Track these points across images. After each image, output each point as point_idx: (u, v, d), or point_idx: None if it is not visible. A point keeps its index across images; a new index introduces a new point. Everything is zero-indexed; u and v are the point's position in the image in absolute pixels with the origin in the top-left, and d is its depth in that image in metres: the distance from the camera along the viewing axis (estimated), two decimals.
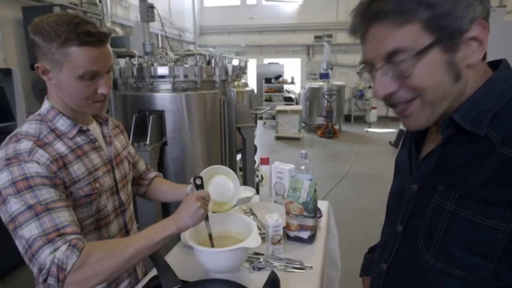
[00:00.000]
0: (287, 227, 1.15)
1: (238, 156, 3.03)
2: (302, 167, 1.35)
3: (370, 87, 10.05)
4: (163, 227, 0.84)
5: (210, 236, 0.97)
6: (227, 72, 2.38)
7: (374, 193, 4.32)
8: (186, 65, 2.21)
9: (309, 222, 1.11)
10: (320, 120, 8.22)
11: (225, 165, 2.59)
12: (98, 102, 0.89)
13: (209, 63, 2.54)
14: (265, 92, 9.52)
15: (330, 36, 9.77)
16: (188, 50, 2.76)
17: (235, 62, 3.03)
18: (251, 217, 1.33)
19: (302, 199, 1.10)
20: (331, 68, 9.41)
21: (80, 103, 0.87)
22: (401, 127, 6.64)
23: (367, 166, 5.49)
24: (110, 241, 0.94)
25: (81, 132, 0.92)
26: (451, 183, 0.57)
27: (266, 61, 10.40)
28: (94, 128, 0.98)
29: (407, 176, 0.70)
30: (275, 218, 1.05)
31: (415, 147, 0.71)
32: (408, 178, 0.68)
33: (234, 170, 2.81)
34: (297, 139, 7.44)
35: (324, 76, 8.65)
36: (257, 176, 3.69)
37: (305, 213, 1.10)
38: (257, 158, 3.50)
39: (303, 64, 10.53)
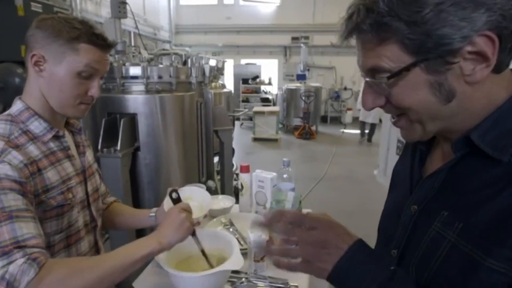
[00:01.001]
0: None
1: (216, 158, 2.94)
2: (285, 175, 1.28)
3: (345, 88, 10.23)
4: (142, 244, 0.76)
5: (203, 252, 0.90)
6: (204, 73, 2.28)
7: (351, 194, 4.36)
8: (160, 65, 2.09)
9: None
10: (297, 121, 8.25)
11: (202, 170, 2.50)
12: (84, 104, 0.87)
13: (185, 63, 2.43)
14: (242, 93, 9.44)
15: (307, 37, 9.85)
16: (163, 49, 2.63)
17: (212, 62, 2.93)
18: (231, 229, 1.25)
19: None
20: (308, 70, 9.48)
21: (67, 102, 0.84)
22: (361, 118, 7.08)
23: (344, 167, 5.55)
24: (78, 258, 0.85)
25: (55, 137, 0.86)
26: (457, 210, 0.50)
27: (243, 61, 10.33)
28: (67, 136, 0.93)
29: (405, 192, 0.63)
30: (258, 234, 0.97)
31: (419, 160, 0.63)
32: (407, 195, 0.61)
33: (212, 175, 2.72)
34: (275, 140, 7.42)
35: (301, 77, 8.69)
36: (235, 180, 3.61)
37: None
38: (235, 161, 3.42)
39: (280, 65, 10.54)
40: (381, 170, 4.68)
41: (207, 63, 2.46)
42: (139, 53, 2.60)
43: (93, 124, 2.05)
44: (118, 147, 1.82)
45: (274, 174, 1.31)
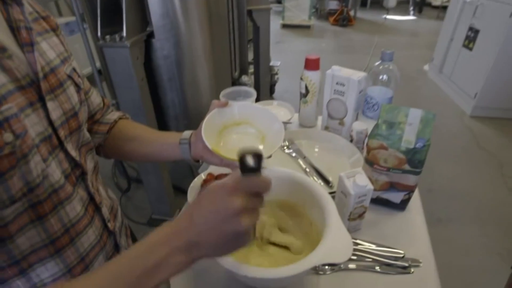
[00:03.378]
0: None
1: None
2: (383, 77, 0.81)
3: None
4: (156, 257, 0.37)
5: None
6: None
7: (399, 92, 3.82)
8: None
9: (410, 179, 0.64)
10: (333, 5, 7.08)
11: (235, 63, 2.01)
12: None
13: None
14: None
15: None
16: None
17: None
18: (294, 154, 0.86)
19: (408, 143, 0.60)
20: None
21: None
22: None
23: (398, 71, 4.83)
24: None
25: None
26: None
27: None
28: None
29: None
30: (362, 183, 0.57)
31: None
32: None
33: (246, 70, 2.24)
34: (307, 27, 6.50)
35: None
36: (272, 73, 3.09)
37: (407, 167, 0.62)
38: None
39: None
40: (436, 65, 3.97)
41: None
42: None
43: (88, 2, 1.52)
44: (124, 33, 1.33)
45: (363, 74, 0.83)
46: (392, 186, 0.66)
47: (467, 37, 3.28)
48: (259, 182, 0.37)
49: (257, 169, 0.36)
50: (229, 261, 0.45)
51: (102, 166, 0.66)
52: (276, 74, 3.33)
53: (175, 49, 1.58)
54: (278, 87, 3.54)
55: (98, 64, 1.76)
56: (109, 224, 0.61)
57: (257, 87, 2.36)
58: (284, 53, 5.12)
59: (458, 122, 3.10)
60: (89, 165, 0.59)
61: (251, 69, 2.51)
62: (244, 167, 0.35)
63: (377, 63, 0.85)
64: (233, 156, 0.58)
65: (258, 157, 0.35)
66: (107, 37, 1.34)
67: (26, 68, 0.45)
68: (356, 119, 0.89)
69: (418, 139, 0.59)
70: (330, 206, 0.51)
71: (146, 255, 0.37)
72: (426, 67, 4.37)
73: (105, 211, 0.61)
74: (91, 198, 0.57)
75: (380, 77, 0.84)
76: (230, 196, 0.36)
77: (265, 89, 2.33)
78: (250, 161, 0.35)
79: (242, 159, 0.35)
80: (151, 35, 1.51)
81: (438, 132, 2.90)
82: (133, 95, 1.50)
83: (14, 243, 0.44)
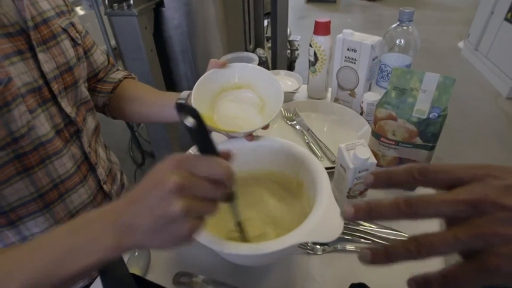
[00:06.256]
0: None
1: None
2: (400, 41, 0.72)
3: None
4: (86, 235, 0.31)
5: (239, 224, 0.44)
6: None
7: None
8: None
9: (421, 155, 0.56)
10: None
11: (249, 35, 1.93)
12: None
13: None
14: None
15: None
16: None
17: None
18: (298, 126, 0.79)
19: (420, 113, 0.52)
20: None
21: None
22: None
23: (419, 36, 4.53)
24: None
25: None
26: None
27: None
28: None
29: None
30: (363, 155, 0.50)
31: None
32: None
33: (261, 43, 2.15)
34: (332, 2, 6.20)
35: None
36: (289, 49, 2.96)
37: (418, 140, 0.54)
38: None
39: None
40: (472, 42, 3.67)
41: None
42: None
43: None
44: (131, 1, 1.28)
45: (378, 38, 0.74)
46: (401, 163, 0.59)
47: (511, 9, 2.98)
48: (211, 161, 0.30)
49: (198, 129, 0.28)
50: (206, 236, 0.41)
51: (119, 140, 0.65)
52: (297, 49, 3.20)
53: (186, 19, 1.52)
54: (298, 64, 3.41)
55: (113, 42, 1.73)
56: (104, 186, 0.60)
57: (274, 61, 2.27)
58: (307, 29, 4.91)
59: (491, 104, 2.87)
60: (89, 125, 0.58)
61: (270, 44, 2.40)
62: (188, 128, 0.28)
63: (394, 25, 0.75)
64: (224, 125, 0.53)
65: (192, 114, 0.28)
66: (115, 5, 1.30)
67: (15, 15, 0.44)
68: (369, 89, 0.80)
69: (432, 108, 0.51)
70: (323, 180, 0.45)
71: (77, 231, 0.32)
72: (460, 44, 4.06)
73: (100, 172, 0.60)
74: (86, 157, 0.55)
75: (397, 41, 0.74)
76: (169, 172, 0.29)
77: (283, 64, 2.23)
78: (189, 121, 0.27)
79: (180, 109, 0.28)
80: (160, 4, 1.46)
81: (467, 115, 2.71)
82: (142, 67, 1.46)
83: (1, 193, 0.44)
